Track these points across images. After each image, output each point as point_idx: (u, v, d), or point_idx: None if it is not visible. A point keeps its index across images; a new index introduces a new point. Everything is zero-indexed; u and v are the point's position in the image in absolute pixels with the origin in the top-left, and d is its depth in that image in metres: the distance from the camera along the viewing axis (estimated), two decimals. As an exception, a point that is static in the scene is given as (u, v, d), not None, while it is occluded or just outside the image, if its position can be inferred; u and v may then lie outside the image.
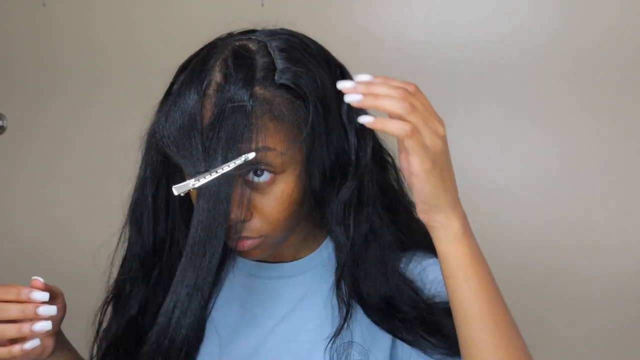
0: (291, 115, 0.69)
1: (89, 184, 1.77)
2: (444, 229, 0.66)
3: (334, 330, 0.77)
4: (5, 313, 0.72)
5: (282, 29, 0.76)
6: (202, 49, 0.74)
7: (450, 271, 0.66)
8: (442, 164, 0.64)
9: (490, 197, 1.51)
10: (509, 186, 1.51)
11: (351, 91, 0.62)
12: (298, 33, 0.76)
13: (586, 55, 1.44)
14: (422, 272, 0.79)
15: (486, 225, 1.51)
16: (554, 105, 1.47)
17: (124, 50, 1.71)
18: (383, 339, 0.78)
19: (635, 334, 1.47)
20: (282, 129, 0.69)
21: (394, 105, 0.61)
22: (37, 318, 0.73)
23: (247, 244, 0.73)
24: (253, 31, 0.76)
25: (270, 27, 0.77)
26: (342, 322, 0.76)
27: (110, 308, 0.87)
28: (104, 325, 0.87)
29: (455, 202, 0.66)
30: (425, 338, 0.74)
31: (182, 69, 0.75)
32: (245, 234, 0.72)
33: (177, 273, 0.70)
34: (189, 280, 0.69)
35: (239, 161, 0.66)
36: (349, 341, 0.78)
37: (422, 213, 0.66)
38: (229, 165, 0.66)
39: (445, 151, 0.64)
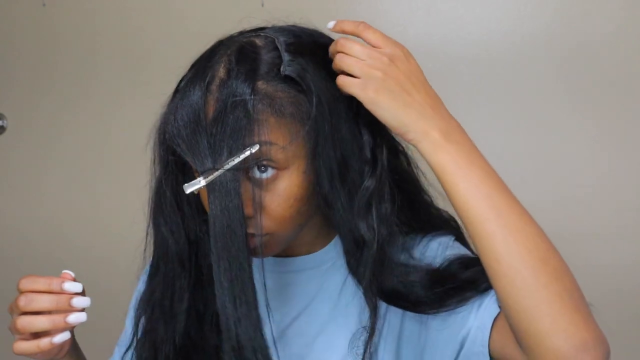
0: (293, 110, 0.69)
1: (89, 183, 1.77)
2: (422, 143, 0.68)
3: (352, 320, 0.78)
4: (37, 304, 0.69)
5: (293, 25, 0.76)
6: (210, 48, 0.74)
7: (442, 179, 0.68)
8: (389, 87, 0.68)
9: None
10: (509, 183, 1.51)
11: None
12: (310, 29, 0.77)
13: (587, 54, 1.44)
14: (427, 247, 0.80)
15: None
16: (554, 103, 1.47)
17: (124, 51, 1.71)
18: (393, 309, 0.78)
19: (631, 324, 1.48)
20: (284, 124, 0.69)
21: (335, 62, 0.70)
22: (71, 310, 0.70)
23: (253, 241, 0.72)
24: (263, 28, 0.76)
25: (281, 24, 0.77)
26: (371, 326, 0.75)
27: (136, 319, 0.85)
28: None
29: (427, 114, 0.69)
30: (445, 305, 0.74)
31: (192, 67, 0.74)
32: (251, 231, 0.71)
33: (213, 271, 0.68)
34: (226, 275, 0.68)
35: (243, 154, 0.67)
36: (365, 326, 0.78)
37: (400, 136, 0.69)
38: (233, 160, 0.67)
39: (390, 75, 0.68)
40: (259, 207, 0.70)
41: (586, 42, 1.44)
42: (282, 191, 0.71)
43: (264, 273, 0.71)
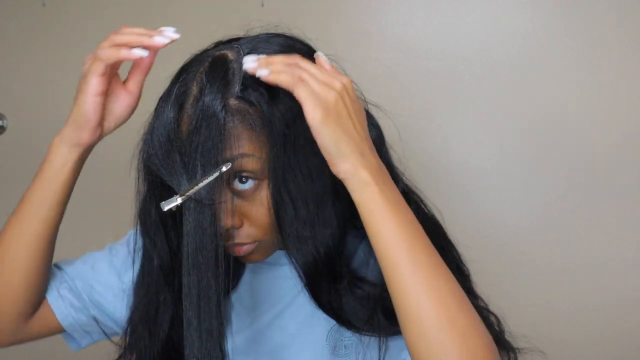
0: (264, 122, 0.70)
1: (89, 185, 1.77)
2: (352, 178, 0.67)
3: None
4: (125, 37, 0.73)
5: (266, 34, 0.77)
6: (187, 63, 0.75)
7: (365, 219, 0.68)
8: (337, 113, 0.66)
9: (490, 197, 1.51)
10: (508, 186, 1.51)
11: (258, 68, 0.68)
12: (281, 37, 0.76)
13: (586, 57, 1.44)
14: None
15: (485, 223, 1.52)
16: (553, 106, 1.47)
17: (124, 50, 1.71)
18: None
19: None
20: (260, 135, 0.70)
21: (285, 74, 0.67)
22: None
23: (242, 249, 0.75)
24: (239, 39, 0.76)
25: (271, 27, 0.77)
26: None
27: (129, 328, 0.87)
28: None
29: (362, 151, 0.68)
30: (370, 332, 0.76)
31: (169, 84, 0.75)
32: (238, 240, 0.73)
33: (182, 287, 0.70)
34: (193, 292, 0.70)
35: (216, 173, 0.67)
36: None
37: (332, 166, 0.68)
38: (207, 178, 0.67)
39: (343, 101, 0.67)
40: (236, 216, 0.71)
41: (585, 42, 1.44)
42: (264, 201, 0.72)
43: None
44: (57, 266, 0.91)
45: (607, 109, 1.44)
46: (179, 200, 0.68)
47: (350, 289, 0.76)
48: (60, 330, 0.90)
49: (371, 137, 0.77)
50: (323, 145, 0.67)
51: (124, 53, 0.73)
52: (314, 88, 0.66)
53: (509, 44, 1.47)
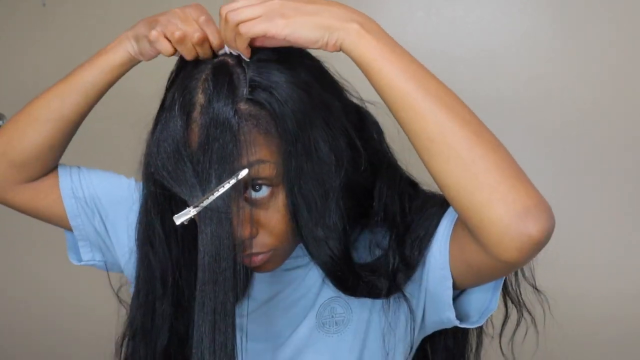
0: (277, 125, 0.68)
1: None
2: (345, 40, 0.66)
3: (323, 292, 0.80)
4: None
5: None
6: (184, 69, 0.73)
7: (367, 70, 0.66)
8: (290, 8, 0.66)
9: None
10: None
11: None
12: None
13: (587, 56, 1.44)
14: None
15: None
16: (554, 106, 1.47)
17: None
18: None
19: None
20: (273, 140, 0.68)
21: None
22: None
23: (257, 259, 0.73)
24: None
25: None
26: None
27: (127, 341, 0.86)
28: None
29: (337, 12, 0.66)
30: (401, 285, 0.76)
31: (167, 91, 0.74)
32: (254, 250, 0.72)
33: (196, 301, 0.69)
34: (208, 307, 0.68)
35: (233, 180, 0.66)
36: (331, 297, 0.79)
37: (326, 47, 0.67)
38: (223, 186, 0.65)
39: (282, 2, 0.67)
40: (251, 226, 0.70)
41: (586, 41, 1.44)
42: (280, 207, 0.71)
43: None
44: (79, 167, 0.95)
45: (609, 108, 1.45)
46: (192, 212, 0.66)
47: (370, 276, 0.75)
48: (59, 217, 0.92)
49: (371, 134, 0.77)
50: (306, 40, 0.66)
51: (164, 51, 0.74)
52: (257, 15, 0.66)
53: (509, 44, 1.47)
